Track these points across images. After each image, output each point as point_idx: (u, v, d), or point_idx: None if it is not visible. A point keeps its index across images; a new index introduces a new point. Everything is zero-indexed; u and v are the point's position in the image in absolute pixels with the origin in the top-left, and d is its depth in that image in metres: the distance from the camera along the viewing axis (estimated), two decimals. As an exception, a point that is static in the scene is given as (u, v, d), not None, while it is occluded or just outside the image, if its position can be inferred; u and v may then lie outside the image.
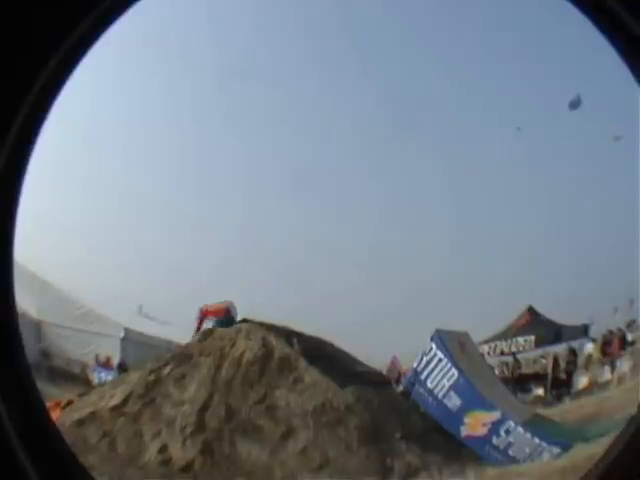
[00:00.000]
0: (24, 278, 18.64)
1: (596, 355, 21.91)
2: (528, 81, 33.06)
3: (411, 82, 35.36)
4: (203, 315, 15.06)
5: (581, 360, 22.18)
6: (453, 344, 13.18)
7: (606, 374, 20.22)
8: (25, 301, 20.43)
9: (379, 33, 37.75)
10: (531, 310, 24.05)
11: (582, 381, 20.64)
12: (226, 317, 14.71)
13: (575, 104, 21.60)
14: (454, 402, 12.64)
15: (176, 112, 36.36)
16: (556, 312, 23.28)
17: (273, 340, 12.87)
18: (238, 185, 36.26)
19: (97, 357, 23.45)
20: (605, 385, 19.73)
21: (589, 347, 22.46)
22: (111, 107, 36.39)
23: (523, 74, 33.46)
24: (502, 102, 36.53)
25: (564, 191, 30.67)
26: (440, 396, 12.71)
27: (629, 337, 21.49)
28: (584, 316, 23.10)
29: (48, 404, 10.68)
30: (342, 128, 37.66)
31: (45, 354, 23.42)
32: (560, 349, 22.66)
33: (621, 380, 19.25)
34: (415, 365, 13.20)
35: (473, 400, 12.63)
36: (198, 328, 14.75)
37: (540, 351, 23.58)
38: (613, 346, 21.18)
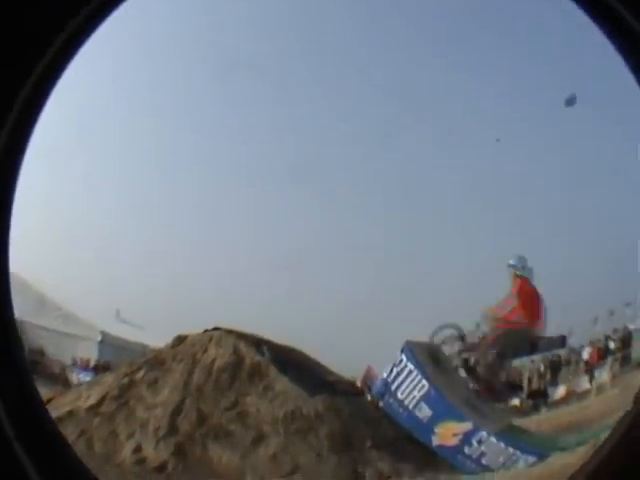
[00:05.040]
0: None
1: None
2: (522, 79, 33.01)
3: (409, 76, 35.27)
4: None
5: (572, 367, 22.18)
6: (424, 355, 13.20)
7: (584, 384, 20.31)
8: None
9: (375, 26, 37.74)
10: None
11: (559, 391, 20.70)
12: None
13: (571, 101, 21.77)
14: (425, 413, 12.64)
15: (165, 108, 36.16)
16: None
17: (244, 348, 12.93)
18: (216, 187, 36.08)
19: (75, 359, 23.76)
20: (583, 395, 19.80)
21: (586, 352, 22.38)
22: (97, 105, 36.05)
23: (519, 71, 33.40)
24: (495, 101, 36.49)
25: (544, 199, 30.77)
26: (411, 407, 12.71)
27: (611, 345, 21.56)
28: (563, 327, 23.13)
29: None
30: (337, 122, 37.59)
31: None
32: (538, 359, 22.69)
33: (600, 390, 19.31)
34: (385, 376, 13.21)
35: (444, 411, 12.63)
36: None
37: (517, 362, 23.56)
38: (592, 356, 21.27)
